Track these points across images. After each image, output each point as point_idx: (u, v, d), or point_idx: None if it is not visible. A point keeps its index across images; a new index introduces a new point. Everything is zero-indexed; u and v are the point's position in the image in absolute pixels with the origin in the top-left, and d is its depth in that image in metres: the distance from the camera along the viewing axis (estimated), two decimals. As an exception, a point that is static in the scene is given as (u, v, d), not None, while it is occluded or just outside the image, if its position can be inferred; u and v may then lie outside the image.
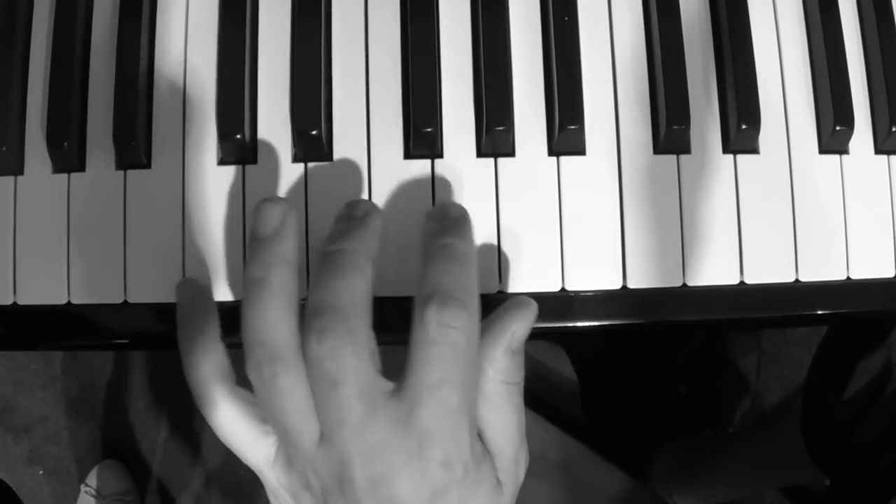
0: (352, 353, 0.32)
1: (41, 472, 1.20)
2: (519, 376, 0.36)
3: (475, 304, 0.34)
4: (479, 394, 0.35)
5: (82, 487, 1.16)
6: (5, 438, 1.21)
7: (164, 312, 0.40)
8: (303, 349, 0.33)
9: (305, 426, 0.33)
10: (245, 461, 0.36)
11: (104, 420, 1.21)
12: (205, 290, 0.39)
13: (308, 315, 0.33)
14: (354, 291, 0.33)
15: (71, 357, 1.21)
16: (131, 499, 1.16)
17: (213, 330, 0.36)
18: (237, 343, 0.35)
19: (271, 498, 0.37)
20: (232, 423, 0.35)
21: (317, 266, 0.34)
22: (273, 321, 0.33)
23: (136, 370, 1.22)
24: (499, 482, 0.35)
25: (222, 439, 0.36)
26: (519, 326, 0.35)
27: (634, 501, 0.62)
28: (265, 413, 0.35)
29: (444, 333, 0.32)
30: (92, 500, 1.14)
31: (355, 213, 0.36)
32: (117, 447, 1.21)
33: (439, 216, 0.36)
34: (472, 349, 0.33)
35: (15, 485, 1.19)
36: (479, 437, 0.35)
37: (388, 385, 0.33)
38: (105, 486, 1.15)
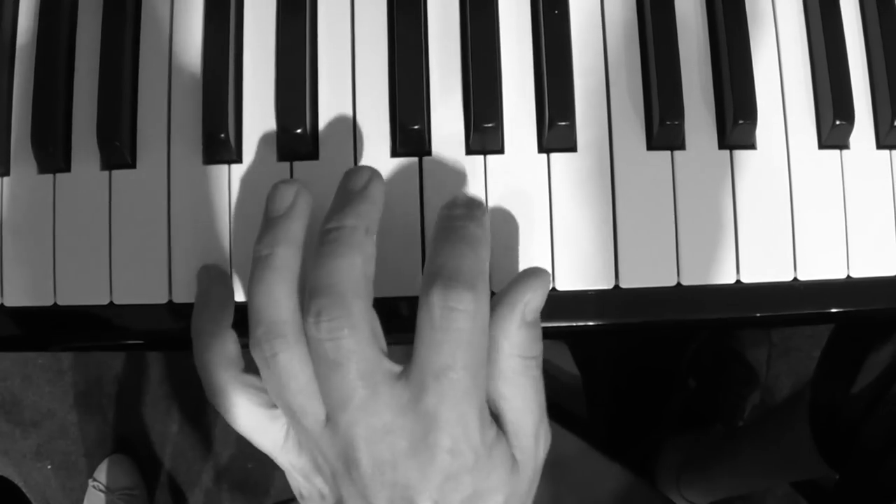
0: (349, 334, 0.32)
1: (49, 466, 1.21)
2: (536, 349, 0.34)
3: (483, 285, 0.33)
4: (495, 369, 0.34)
5: (90, 482, 1.17)
6: (13, 433, 1.21)
7: (152, 313, 0.40)
8: (304, 330, 0.33)
9: (310, 406, 0.33)
10: (257, 446, 0.36)
11: (112, 414, 1.22)
12: (223, 276, 0.39)
13: (307, 296, 0.33)
14: (352, 270, 0.33)
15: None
16: (139, 493, 1.16)
17: (226, 317, 0.37)
18: (244, 343, 0.36)
19: (288, 478, 0.37)
20: (240, 408, 0.35)
21: (316, 245, 0.34)
22: (275, 298, 0.33)
23: (144, 364, 1.22)
24: (515, 462, 0.34)
25: (232, 425, 0.36)
26: (533, 297, 0.34)
27: (634, 498, 0.62)
28: (270, 393, 0.34)
29: (449, 317, 0.31)
30: (100, 494, 1.15)
31: (354, 185, 0.35)
32: (126, 442, 1.21)
33: (451, 203, 0.35)
34: (479, 332, 0.32)
35: (23, 479, 1.20)
36: (497, 414, 0.34)
37: (393, 367, 0.33)
38: (113, 481, 1.15)
